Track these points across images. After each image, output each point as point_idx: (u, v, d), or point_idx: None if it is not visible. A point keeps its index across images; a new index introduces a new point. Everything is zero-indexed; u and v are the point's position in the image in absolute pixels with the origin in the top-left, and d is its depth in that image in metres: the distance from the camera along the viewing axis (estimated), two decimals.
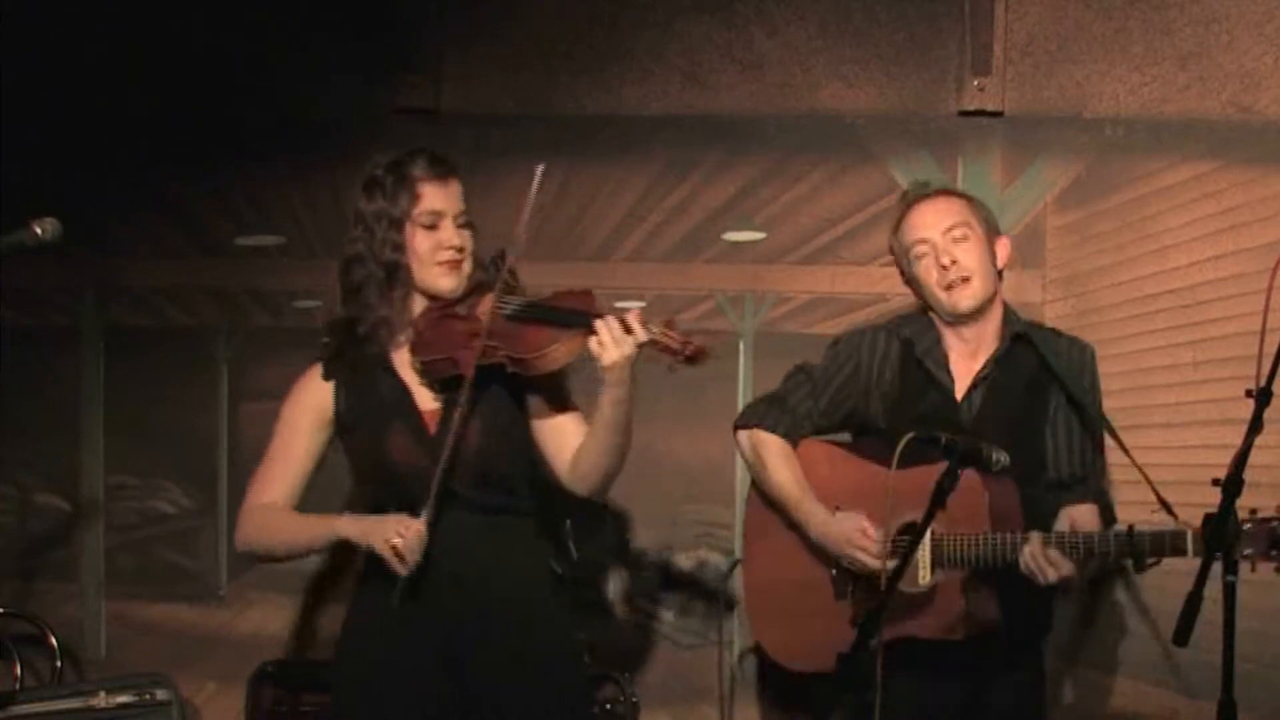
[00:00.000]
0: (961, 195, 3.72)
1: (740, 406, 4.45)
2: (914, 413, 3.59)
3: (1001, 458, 3.19)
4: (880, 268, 4.51)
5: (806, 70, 4.52)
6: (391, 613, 3.21)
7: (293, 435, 3.39)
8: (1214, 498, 2.94)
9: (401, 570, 3.15)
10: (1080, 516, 3.56)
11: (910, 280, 3.70)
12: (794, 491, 3.72)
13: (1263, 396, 2.95)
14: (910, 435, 3.19)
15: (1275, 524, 3.20)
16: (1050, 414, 3.65)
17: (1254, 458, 2.95)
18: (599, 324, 3.17)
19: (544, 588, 3.42)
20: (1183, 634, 2.92)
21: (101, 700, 4.18)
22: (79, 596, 4.72)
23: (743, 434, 3.83)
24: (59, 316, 4.75)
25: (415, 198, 3.30)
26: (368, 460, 3.34)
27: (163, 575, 4.74)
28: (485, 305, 3.29)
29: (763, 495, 3.83)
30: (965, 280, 3.59)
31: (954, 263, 3.58)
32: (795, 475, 3.74)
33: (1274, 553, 3.20)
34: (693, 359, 3.18)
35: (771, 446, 3.77)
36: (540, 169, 3.26)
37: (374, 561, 3.24)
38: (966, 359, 3.67)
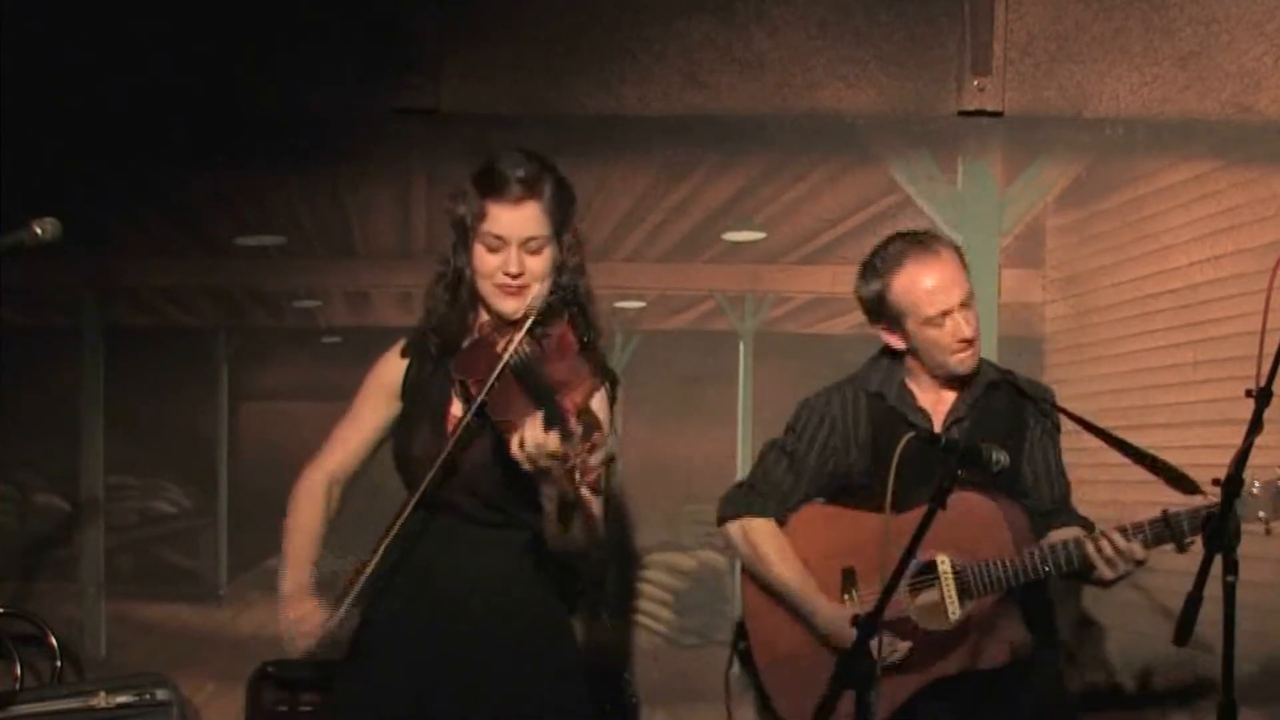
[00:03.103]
0: (948, 245, 3.63)
1: (740, 406, 4.45)
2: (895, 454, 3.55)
3: (1001, 458, 3.19)
4: None
5: (806, 70, 4.52)
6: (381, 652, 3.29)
7: (363, 405, 3.44)
8: (1214, 497, 2.94)
9: (289, 653, 3.23)
10: (1069, 536, 3.54)
11: (906, 337, 3.62)
12: (794, 583, 3.66)
13: (1263, 396, 2.95)
14: (910, 435, 3.19)
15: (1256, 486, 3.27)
16: (1027, 449, 3.66)
17: (1254, 458, 2.95)
18: (532, 416, 2.98)
19: (540, 600, 3.34)
20: (1183, 634, 2.92)
21: (101, 700, 4.18)
22: (79, 596, 4.72)
23: (731, 525, 3.76)
24: (59, 316, 4.75)
25: (481, 216, 3.22)
26: (396, 447, 3.37)
27: (163, 575, 4.74)
28: (504, 340, 3.19)
29: (756, 581, 3.75)
30: (976, 343, 3.60)
31: (973, 334, 3.57)
32: (792, 563, 3.68)
33: (1261, 514, 3.27)
34: (588, 486, 2.98)
35: (764, 535, 3.71)
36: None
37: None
38: (932, 394, 3.67)
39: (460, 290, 3.28)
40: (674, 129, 4.54)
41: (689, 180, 4.57)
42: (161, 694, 4.23)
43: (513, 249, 3.21)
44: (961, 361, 3.60)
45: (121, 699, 4.20)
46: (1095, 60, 4.40)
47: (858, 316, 4.48)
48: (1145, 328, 4.37)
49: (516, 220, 3.21)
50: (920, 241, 3.61)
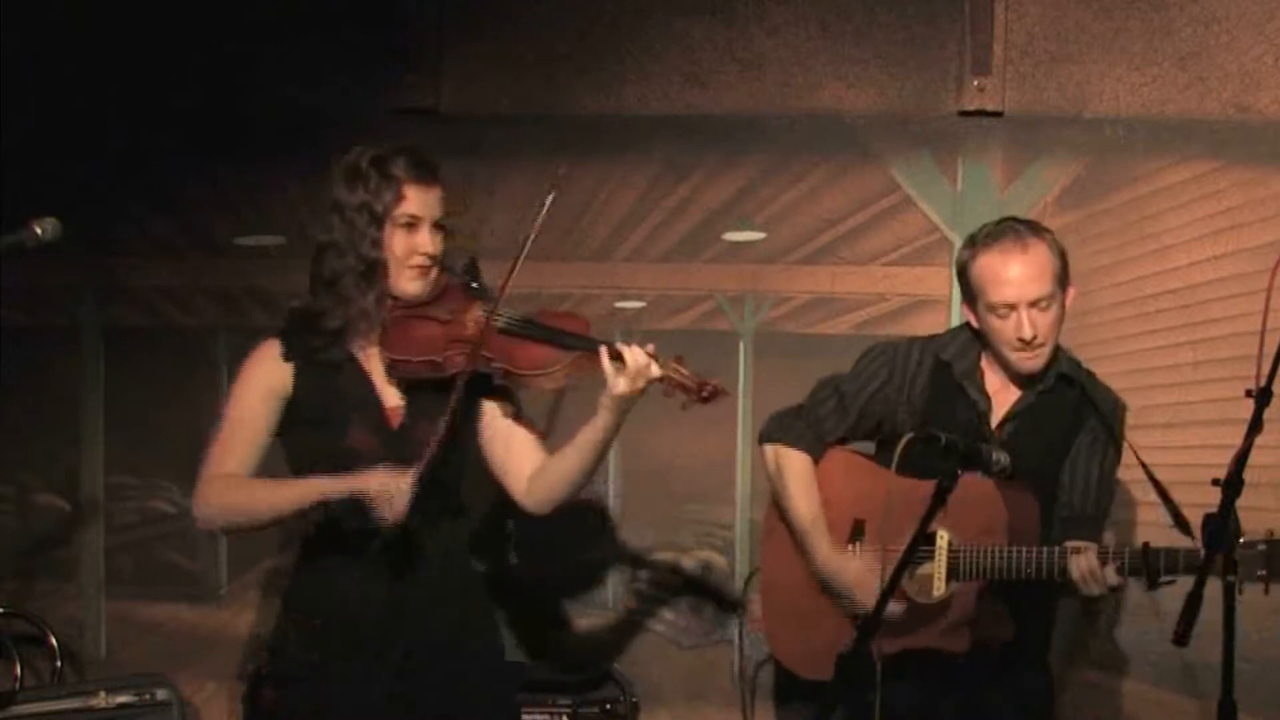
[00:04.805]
0: (1048, 243, 3.58)
1: (741, 406, 4.46)
2: (944, 429, 3.54)
3: (1002, 458, 3.19)
4: (880, 267, 4.51)
5: (806, 70, 4.52)
6: (332, 603, 3.26)
7: (249, 410, 3.33)
8: (1214, 498, 2.94)
9: (389, 517, 3.12)
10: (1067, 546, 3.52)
11: (977, 317, 3.61)
12: (805, 520, 3.71)
13: (1263, 396, 2.95)
14: (910, 435, 3.19)
15: (1262, 546, 3.24)
16: (1072, 452, 3.63)
17: (1254, 458, 2.95)
18: (625, 352, 3.15)
19: (472, 585, 3.43)
20: (1183, 634, 2.92)
21: (101, 700, 4.18)
22: (79, 596, 4.72)
23: (768, 448, 3.80)
24: (59, 316, 4.75)
25: (398, 198, 3.26)
26: (323, 451, 3.29)
27: (163, 575, 4.74)
28: (473, 313, 3.27)
29: (776, 505, 3.81)
30: (1040, 347, 3.56)
31: (1034, 336, 3.52)
32: (810, 502, 3.72)
33: (1261, 572, 3.24)
34: (708, 399, 3.17)
35: (794, 466, 3.75)
36: (551, 198, 3.27)
37: (316, 543, 3.29)
38: (1004, 384, 3.65)
39: (374, 279, 3.28)
40: (674, 129, 4.54)
41: (689, 180, 4.57)
42: (161, 694, 4.23)
43: (426, 228, 3.29)
44: (1020, 361, 3.56)
45: (121, 699, 4.19)
46: (1095, 60, 4.40)
47: (858, 316, 4.51)
48: (1145, 328, 4.37)
49: (431, 201, 3.30)
50: (1017, 230, 3.56)
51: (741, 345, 4.55)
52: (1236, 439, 2.94)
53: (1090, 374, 3.72)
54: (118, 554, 4.73)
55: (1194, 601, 2.92)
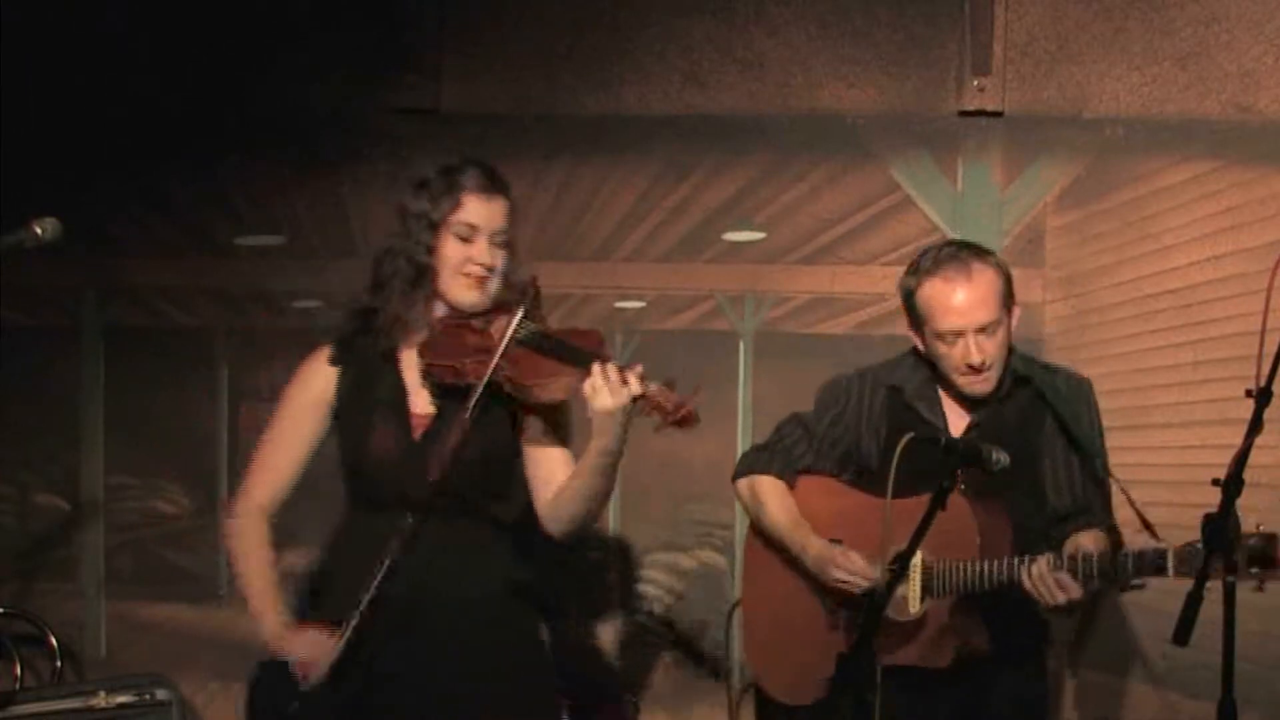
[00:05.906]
0: (992, 267, 3.54)
1: (741, 406, 4.46)
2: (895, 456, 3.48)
3: (1001, 457, 3.19)
4: (880, 267, 4.51)
5: (806, 70, 4.52)
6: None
7: (292, 422, 3.38)
8: (1214, 498, 2.94)
9: (304, 683, 3.16)
10: (1084, 541, 3.47)
11: (924, 342, 3.59)
12: (788, 522, 3.71)
13: (1263, 396, 2.95)
14: (910, 435, 3.19)
15: (1253, 541, 3.18)
16: (1045, 449, 3.62)
17: (1254, 458, 2.95)
18: (595, 366, 3.15)
19: (506, 595, 3.36)
20: (1183, 634, 2.92)
21: (101, 700, 4.18)
22: (79, 596, 4.72)
23: (741, 482, 3.80)
24: (59, 316, 4.75)
25: (456, 206, 3.29)
26: (349, 451, 3.33)
27: (163, 575, 4.74)
28: (501, 324, 3.28)
29: (760, 536, 3.79)
30: (988, 371, 3.54)
31: (983, 361, 3.52)
32: (789, 511, 3.72)
33: (1254, 570, 3.19)
34: (682, 423, 3.16)
35: (766, 486, 3.75)
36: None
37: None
38: (956, 398, 3.63)
39: (422, 283, 3.30)
40: (674, 129, 4.55)
41: (689, 180, 4.57)
42: (161, 694, 4.23)
43: (484, 239, 3.29)
44: (968, 385, 3.56)
45: (121, 699, 4.20)
46: (1095, 60, 4.40)
47: (858, 316, 4.51)
48: (1145, 328, 4.38)
49: (490, 212, 3.30)
50: (960, 257, 3.54)
51: (741, 345, 4.56)
52: (1236, 439, 2.95)
53: (1046, 366, 3.70)
54: (118, 554, 4.73)
55: (1194, 601, 2.92)
